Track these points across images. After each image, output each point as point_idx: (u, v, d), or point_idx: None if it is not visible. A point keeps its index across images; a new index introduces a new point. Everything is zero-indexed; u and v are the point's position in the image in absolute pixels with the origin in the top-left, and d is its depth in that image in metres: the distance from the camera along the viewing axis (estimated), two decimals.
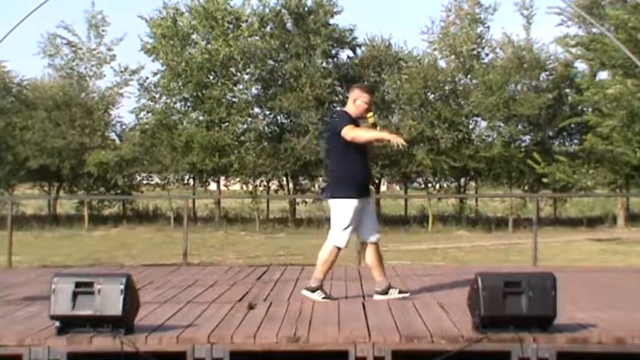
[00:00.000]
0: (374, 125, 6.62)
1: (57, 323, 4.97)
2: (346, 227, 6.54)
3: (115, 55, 26.44)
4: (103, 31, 26.38)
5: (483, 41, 26.31)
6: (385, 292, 6.62)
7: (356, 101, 6.62)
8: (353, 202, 6.51)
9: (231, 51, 24.85)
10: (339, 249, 6.63)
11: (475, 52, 26.07)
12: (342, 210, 6.55)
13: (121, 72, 26.31)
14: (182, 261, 11.25)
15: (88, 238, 21.44)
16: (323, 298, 6.55)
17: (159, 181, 27.95)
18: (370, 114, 6.59)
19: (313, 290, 6.57)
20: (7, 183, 26.10)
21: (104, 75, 26.75)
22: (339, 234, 6.56)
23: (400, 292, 6.65)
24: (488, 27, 26.32)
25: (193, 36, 26.19)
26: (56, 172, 25.77)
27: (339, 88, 26.75)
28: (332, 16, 26.41)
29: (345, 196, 6.53)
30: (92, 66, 26.54)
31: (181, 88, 25.77)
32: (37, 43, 26.52)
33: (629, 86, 22.77)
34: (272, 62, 26.48)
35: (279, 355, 4.91)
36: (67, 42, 26.35)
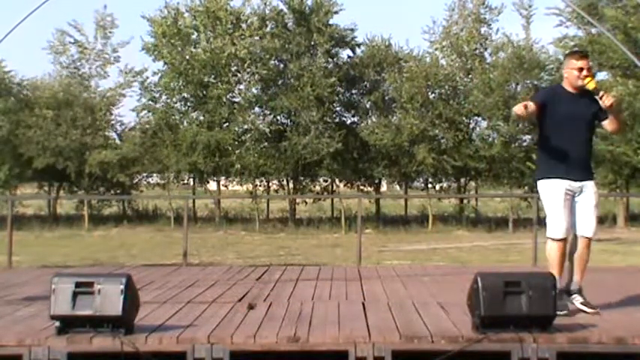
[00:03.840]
0: (598, 91, 5.67)
1: (57, 323, 4.97)
2: (552, 214, 5.70)
3: (119, 57, 26.56)
4: (110, 32, 26.49)
5: (487, 42, 26.33)
6: (571, 294, 5.84)
7: (565, 73, 5.87)
8: (553, 183, 5.71)
9: (237, 49, 24.86)
10: (559, 240, 5.69)
11: (478, 52, 26.09)
12: (543, 194, 5.79)
13: (126, 73, 26.38)
14: (182, 261, 11.25)
15: (88, 238, 21.44)
16: (582, 303, 5.81)
17: (159, 181, 27.99)
18: (587, 80, 5.65)
19: (570, 294, 5.84)
20: (8, 183, 26.08)
21: (108, 75, 26.89)
22: (548, 223, 5.72)
23: (584, 304, 5.80)
24: (491, 27, 26.39)
25: (194, 36, 26.21)
26: (62, 171, 25.77)
27: (340, 88, 26.77)
28: (332, 15, 26.43)
29: (543, 176, 5.80)
30: (97, 66, 26.63)
31: (182, 87, 25.81)
32: (42, 42, 26.67)
33: (630, 87, 22.78)
34: (273, 62, 26.49)
35: (279, 355, 4.91)
36: (75, 41, 26.43)
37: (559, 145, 5.73)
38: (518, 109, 5.58)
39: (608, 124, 5.85)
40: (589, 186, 5.81)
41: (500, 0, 34.09)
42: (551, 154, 5.77)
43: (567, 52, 6.23)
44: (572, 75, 5.79)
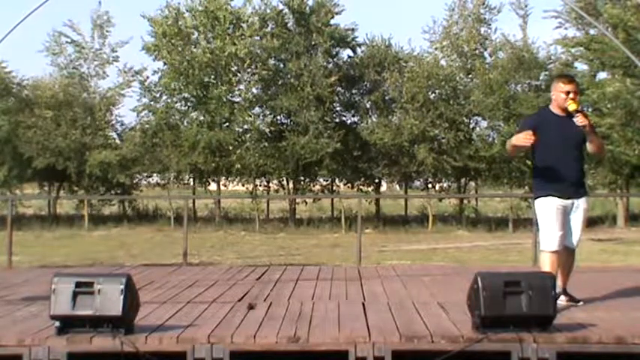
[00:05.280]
0: (577, 112, 6.00)
1: (57, 323, 4.96)
2: (546, 228, 6.10)
3: (118, 57, 26.54)
4: (107, 31, 26.48)
5: (487, 41, 26.35)
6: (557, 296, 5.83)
7: (552, 95, 6.21)
8: (546, 201, 6.10)
9: (237, 49, 24.87)
10: (552, 252, 6.06)
11: (478, 51, 26.11)
12: (537, 210, 6.21)
13: (125, 72, 26.37)
14: (182, 261, 11.25)
15: (88, 238, 21.44)
16: (567, 300, 6.16)
17: (159, 181, 28.00)
18: (570, 102, 6.03)
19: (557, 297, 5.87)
20: (7, 183, 26.10)
21: (107, 75, 26.87)
22: (542, 237, 6.16)
23: (570, 300, 6.16)
24: (491, 27, 26.42)
25: (194, 36, 26.22)
26: (62, 171, 25.77)
27: (340, 88, 26.76)
28: (333, 16, 26.43)
29: (538, 195, 6.18)
30: (95, 66, 26.61)
31: (182, 87, 25.81)
32: (40, 42, 26.60)
33: (627, 85, 22.78)
34: (273, 62, 26.49)
35: (279, 355, 4.90)
36: (72, 41, 26.43)
37: (551, 167, 6.10)
38: (517, 140, 5.98)
39: (589, 146, 6.19)
40: (580, 203, 6.18)
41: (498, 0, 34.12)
42: (545, 175, 6.15)
43: (555, 75, 6.60)
44: (560, 98, 6.12)
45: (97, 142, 25.60)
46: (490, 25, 26.40)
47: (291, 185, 27.85)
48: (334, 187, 29.02)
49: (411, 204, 29.16)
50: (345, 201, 25.67)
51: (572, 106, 6.03)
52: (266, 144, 26.09)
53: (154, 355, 4.80)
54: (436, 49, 26.64)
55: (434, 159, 24.78)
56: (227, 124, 25.76)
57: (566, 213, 6.11)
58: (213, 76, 25.79)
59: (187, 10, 26.16)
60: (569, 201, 6.11)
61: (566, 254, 6.18)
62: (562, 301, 6.06)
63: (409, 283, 7.79)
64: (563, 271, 6.18)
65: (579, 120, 5.98)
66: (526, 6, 25.81)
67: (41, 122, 25.11)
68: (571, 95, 6.07)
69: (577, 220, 6.16)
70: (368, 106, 27.17)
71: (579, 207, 6.16)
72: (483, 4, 26.25)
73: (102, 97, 26.55)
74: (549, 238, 6.07)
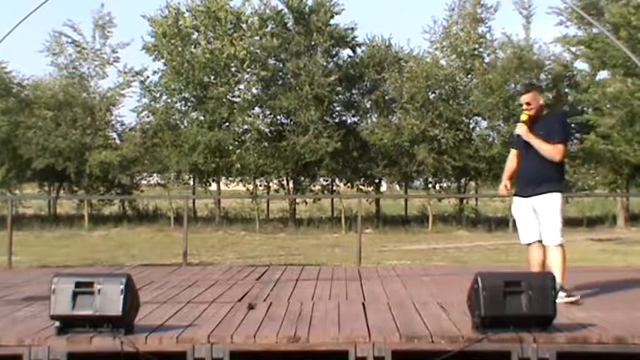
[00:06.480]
0: (524, 122, 6.46)
1: (57, 323, 4.97)
2: (517, 224, 6.69)
3: (118, 57, 26.53)
4: (108, 32, 26.48)
5: (485, 41, 26.35)
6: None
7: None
8: (514, 200, 6.71)
9: (237, 50, 24.88)
10: (526, 245, 6.63)
11: (477, 51, 26.10)
12: None
13: (125, 73, 26.36)
14: (182, 261, 11.25)
15: (88, 238, 21.44)
16: (564, 297, 6.33)
17: (159, 181, 28.01)
18: (523, 112, 6.53)
19: None
20: (6, 183, 26.09)
21: (107, 75, 26.87)
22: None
23: (568, 296, 6.33)
24: (489, 27, 26.42)
25: (194, 36, 26.23)
26: (62, 172, 25.77)
27: (339, 88, 26.77)
28: (332, 15, 26.43)
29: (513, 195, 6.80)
30: (95, 66, 26.60)
31: (182, 88, 25.81)
32: (40, 42, 26.57)
33: (628, 85, 22.78)
34: (273, 61, 26.49)
35: (279, 355, 4.91)
36: (72, 41, 26.42)
37: (518, 170, 6.69)
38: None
39: None
40: (541, 199, 6.48)
41: None
42: (517, 178, 6.72)
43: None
44: (524, 108, 6.61)
45: (97, 142, 25.59)
46: (487, 24, 26.42)
47: (291, 185, 27.86)
48: (334, 187, 29.03)
49: (411, 204, 29.15)
50: (345, 201, 25.67)
51: (523, 117, 6.50)
52: (266, 144, 26.09)
53: (154, 355, 4.80)
54: (436, 49, 26.65)
55: (434, 159, 24.78)
56: (227, 124, 25.75)
57: (530, 210, 6.51)
58: (212, 77, 25.78)
59: (187, 10, 26.18)
60: (529, 199, 6.51)
61: (545, 251, 6.51)
62: (560, 298, 6.05)
63: (409, 283, 7.79)
64: (552, 269, 6.31)
65: (518, 129, 6.48)
66: (530, 6, 25.85)
67: (41, 122, 25.11)
68: (523, 106, 6.54)
69: (540, 216, 6.46)
70: (368, 106, 27.17)
71: (538, 203, 6.46)
72: (479, 3, 26.23)
73: (102, 98, 26.54)
74: (519, 233, 6.67)
